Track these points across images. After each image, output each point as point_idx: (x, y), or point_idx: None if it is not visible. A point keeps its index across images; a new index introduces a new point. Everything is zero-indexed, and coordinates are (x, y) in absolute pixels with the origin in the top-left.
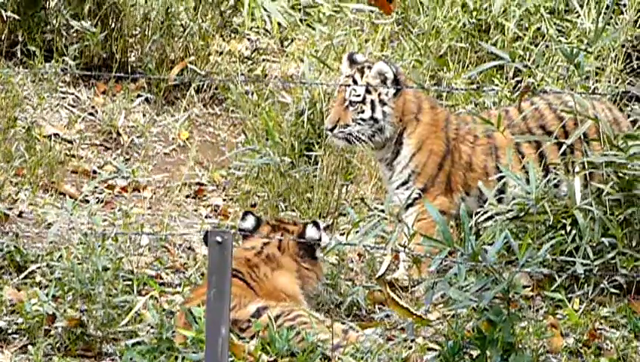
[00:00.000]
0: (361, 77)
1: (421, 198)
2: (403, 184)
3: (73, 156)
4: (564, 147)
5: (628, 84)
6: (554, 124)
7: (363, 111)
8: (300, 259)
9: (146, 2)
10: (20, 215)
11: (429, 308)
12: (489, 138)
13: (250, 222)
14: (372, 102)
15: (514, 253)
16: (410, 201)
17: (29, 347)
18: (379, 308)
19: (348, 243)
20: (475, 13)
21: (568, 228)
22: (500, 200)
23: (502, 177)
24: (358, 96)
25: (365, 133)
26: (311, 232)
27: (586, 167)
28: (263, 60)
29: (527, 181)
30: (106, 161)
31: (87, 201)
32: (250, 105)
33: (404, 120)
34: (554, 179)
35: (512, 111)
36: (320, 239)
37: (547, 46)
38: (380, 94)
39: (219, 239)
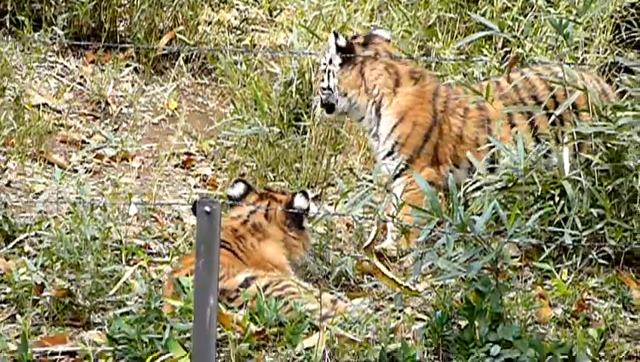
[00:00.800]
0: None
1: (408, 169)
2: (389, 155)
3: (62, 126)
4: (552, 117)
5: (616, 54)
6: (545, 94)
7: (323, 80)
8: (287, 228)
9: None
10: (8, 184)
11: (418, 279)
12: (481, 110)
13: (238, 190)
14: (328, 72)
15: (502, 224)
16: (397, 172)
17: (18, 316)
18: (367, 278)
19: (336, 213)
20: None
21: (557, 199)
22: (491, 172)
23: (492, 148)
24: (324, 65)
25: (327, 102)
26: (299, 202)
27: (575, 137)
28: (252, 30)
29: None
30: (95, 130)
31: (76, 171)
32: (238, 75)
33: (374, 92)
34: (543, 149)
35: (502, 82)
36: (308, 209)
37: (536, 16)
38: (334, 65)
39: (207, 209)
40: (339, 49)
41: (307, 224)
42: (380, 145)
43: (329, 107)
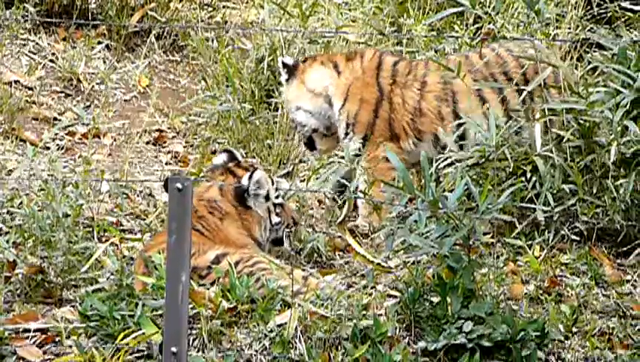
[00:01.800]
0: None
1: (365, 147)
2: (346, 136)
3: (34, 103)
4: (524, 94)
5: (588, 31)
6: (516, 70)
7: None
8: (236, 204)
9: None
10: None
11: (390, 255)
12: (445, 84)
13: (219, 159)
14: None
15: (474, 200)
16: (356, 152)
17: None
18: (339, 255)
19: (308, 189)
20: None
21: (529, 175)
22: (461, 147)
23: (462, 123)
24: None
25: (304, 138)
26: (243, 180)
27: (546, 113)
28: (223, 7)
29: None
30: (67, 107)
31: (48, 148)
32: (210, 52)
33: (319, 90)
34: (515, 125)
35: (472, 57)
36: (247, 190)
37: None
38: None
39: (179, 186)
40: (285, 66)
41: (251, 203)
42: (338, 129)
43: (309, 143)
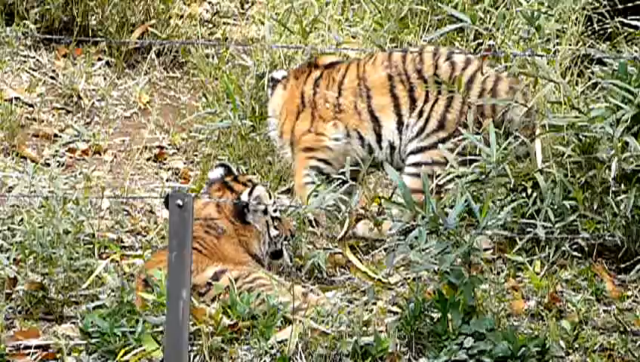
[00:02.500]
0: None
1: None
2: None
3: (34, 119)
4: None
5: (588, 46)
6: (430, 71)
7: None
8: (233, 220)
9: None
10: None
11: (391, 271)
12: (360, 80)
13: (216, 174)
14: None
15: (475, 216)
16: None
17: None
18: (340, 271)
19: (308, 206)
20: None
21: (529, 191)
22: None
23: (377, 122)
24: None
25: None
26: (243, 196)
27: (547, 129)
28: (224, 23)
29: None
30: (67, 124)
31: (48, 165)
32: (210, 69)
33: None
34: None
35: (394, 55)
36: (247, 205)
37: (508, 8)
38: None
39: (179, 202)
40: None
41: (250, 218)
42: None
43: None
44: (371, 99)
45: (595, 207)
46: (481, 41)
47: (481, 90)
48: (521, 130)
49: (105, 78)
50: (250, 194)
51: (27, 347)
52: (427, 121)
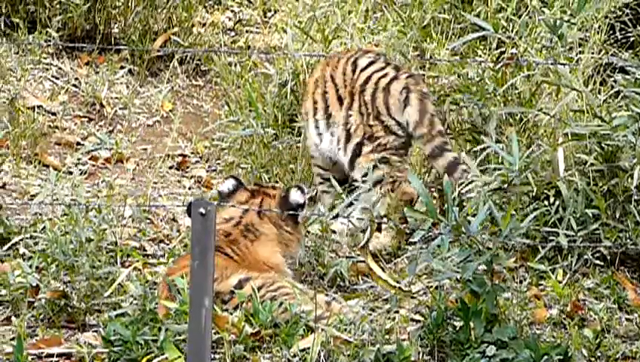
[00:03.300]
0: None
1: None
2: None
3: (57, 128)
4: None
5: (611, 55)
6: (339, 75)
7: None
8: (282, 223)
9: None
10: (3, 186)
11: (413, 280)
12: (305, 85)
13: (228, 185)
14: None
15: (497, 225)
16: None
17: (13, 318)
18: (362, 280)
19: (331, 214)
20: None
21: (552, 200)
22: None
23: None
24: None
25: None
26: (295, 196)
27: (570, 137)
28: (246, 32)
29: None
30: (90, 132)
31: (71, 173)
32: (233, 77)
33: None
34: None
35: (330, 59)
36: (304, 204)
37: (530, 17)
38: None
39: (202, 210)
40: None
41: (301, 219)
42: None
43: None
44: (305, 103)
45: (617, 216)
46: (503, 49)
47: (374, 89)
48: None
49: (127, 86)
50: (302, 193)
51: (49, 355)
52: (337, 128)
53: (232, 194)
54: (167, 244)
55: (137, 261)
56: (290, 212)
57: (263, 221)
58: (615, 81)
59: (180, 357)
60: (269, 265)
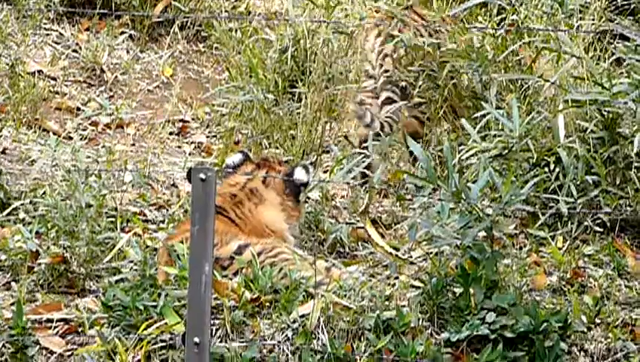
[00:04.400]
0: None
1: None
2: None
3: (57, 93)
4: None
5: (612, 22)
6: None
7: None
8: (284, 196)
9: None
10: (3, 152)
11: (413, 246)
12: None
13: (234, 159)
14: None
15: (497, 191)
16: None
17: (13, 283)
18: (362, 246)
19: (331, 180)
20: None
21: (552, 166)
22: None
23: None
24: None
25: None
26: (299, 174)
27: (570, 104)
28: None
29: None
30: (90, 97)
31: (71, 138)
32: (233, 43)
33: None
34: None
35: None
36: (307, 183)
37: None
38: None
39: (202, 176)
40: None
41: (302, 199)
42: None
43: None
44: None
45: (617, 183)
46: (504, 16)
47: None
48: None
49: (128, 52)
50: (307, 172)
51: (49, 320)
52: None
53: (238, 167)
54: (167, 210)
55: (137, 226)
56: (293, 186)
57: (268, 188)
58: (616, 48)
59: (179, 322)
60: (272, 229)
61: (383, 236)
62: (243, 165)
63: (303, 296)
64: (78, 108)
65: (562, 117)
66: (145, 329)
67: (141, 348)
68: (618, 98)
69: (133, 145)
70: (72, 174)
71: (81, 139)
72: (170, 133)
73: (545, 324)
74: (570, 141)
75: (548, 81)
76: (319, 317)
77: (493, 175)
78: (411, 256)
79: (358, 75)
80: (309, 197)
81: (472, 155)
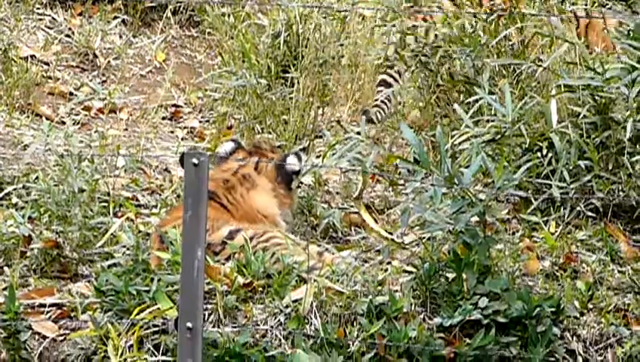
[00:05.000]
0: None
1: None
2: None
3: (50, 78)
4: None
5: (604, 7)
6: None
7: None
8: (276, 182)
9: None
10: None
11: (405, 231)
12: None
13: (226, 147)
14: None
15: (490, 176)
16: None
17: (5, 268)
18: (355, 230)
19: (324, 165)
20: None
21: (544, 151)
22: None
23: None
24: None
25: None
26: (292, 161)
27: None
28: None
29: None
30: (83, 82)
31: (64, 123)
32: (226, 27)
33: None
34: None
35: None
36: (299, 171)
37: None
38: None
39: (195, 161)
40: None
41: (294, 186)
42: None
43: None
44: None
45: (610, 168)
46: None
47: None
48: None
49: (120, 37)
50: (299, 160)
51: (42, 305)
52: None
53: (230, 155)
54: (160, 195)
55: (130, 211)
56: (285, 173)
57: (260, 175)
58: (608, 33)
59: (172, 307)
60: (264, 214)
61: (375, 221)
62: (235, 153)
63: (296, 280)
64: (71, 93)
65: (555, 102)
66: (137, 314)
67: (134, 333)
68: (611, 83)
69: (126, 130)
70: (65, 159)
71: (73, 123)
72: (163, 118)
73: (537, 309)
74: (562, 126)
75: (541, 66)
76: (312, 302)
77: (485, 160)
78: (404, 241)
79: (351, 59)
80: (301, 182)
81: (465, 140)
